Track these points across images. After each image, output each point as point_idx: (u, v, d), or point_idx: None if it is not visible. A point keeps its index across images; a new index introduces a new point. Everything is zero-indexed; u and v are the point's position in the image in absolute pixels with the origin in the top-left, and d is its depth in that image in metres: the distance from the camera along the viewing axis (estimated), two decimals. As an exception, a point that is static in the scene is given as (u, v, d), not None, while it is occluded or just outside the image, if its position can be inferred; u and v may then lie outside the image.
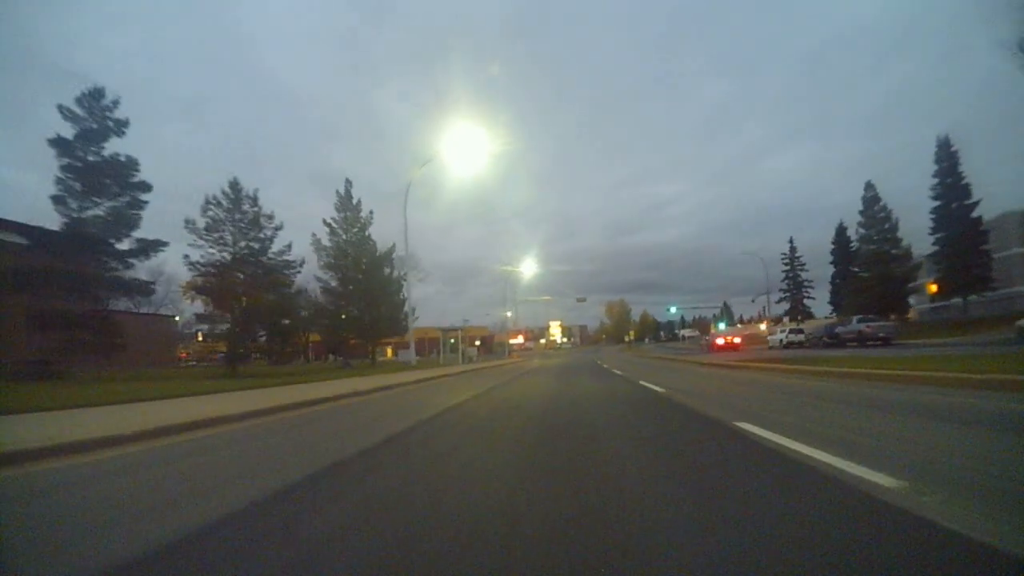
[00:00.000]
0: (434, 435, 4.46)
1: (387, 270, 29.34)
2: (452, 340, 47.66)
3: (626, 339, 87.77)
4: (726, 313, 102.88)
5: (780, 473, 2.57)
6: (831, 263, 46.56)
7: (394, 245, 27.79)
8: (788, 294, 53.68)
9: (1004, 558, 1.50)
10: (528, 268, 50.29)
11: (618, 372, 14.66)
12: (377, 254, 27.58)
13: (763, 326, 53.37)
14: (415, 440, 4.23)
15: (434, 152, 21.62)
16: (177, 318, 52.90)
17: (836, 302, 46.18)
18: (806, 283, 53.33)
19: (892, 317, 35.86)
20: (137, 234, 19.99)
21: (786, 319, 50.82)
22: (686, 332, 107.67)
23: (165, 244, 18.74)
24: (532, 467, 2.98)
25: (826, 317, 50.65)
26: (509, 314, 61.84)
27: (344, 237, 26.90)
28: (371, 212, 28.12)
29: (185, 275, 22.51)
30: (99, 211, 19.64)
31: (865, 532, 1.75)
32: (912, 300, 42.37)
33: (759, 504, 2.08)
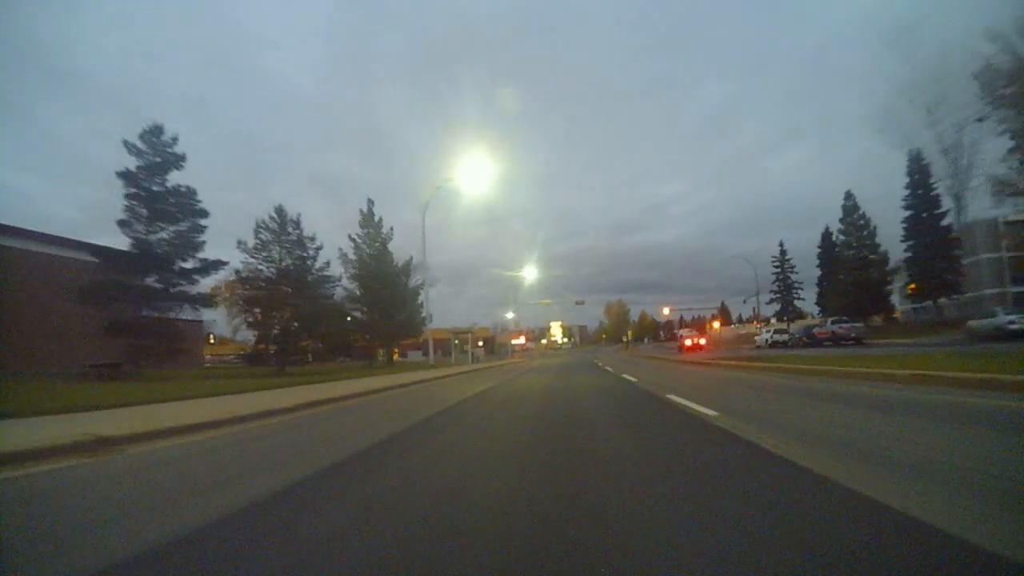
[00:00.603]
0: (466, 413, 6.50)
1: (403, 278, 32.54)
2: (456, 341, 51.08)
3: (623, 339, 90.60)
4: (724, 313, 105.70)
5: (682, 420, 5.47)
6: (817, 266, 49.40)
7: (411, 258, 31.06)
8: (778, 295, 56.55)
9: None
10: (530, 273, 53.21)
11: (608, 368, 17.67)
12: (396, 266, 30.86)
13: (756, 326, 56.25)
14: (452, 417, 6.12)
15: (447, 178, 24.50)
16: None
17: (822, 303, 49.01)
18: (796, 284, 56.14)
19: (874, 318, 38.83)
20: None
21: (773, 320, 53.68)
22: (684, 332, 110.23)
23: (225, 263, 21.90)
24: (541, 424, 5.84)
25: (812, 317, 53.47)
26: (511, 315, 64.87)
27: (367, 251, 30.13)
28: (391, 228, 31.41)
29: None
30: (164, 234, 22.83)
31: (736, 459, 3.05)
32: (898, 302, 45.34)
33: (667, 433, 5.07)
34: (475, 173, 23.72)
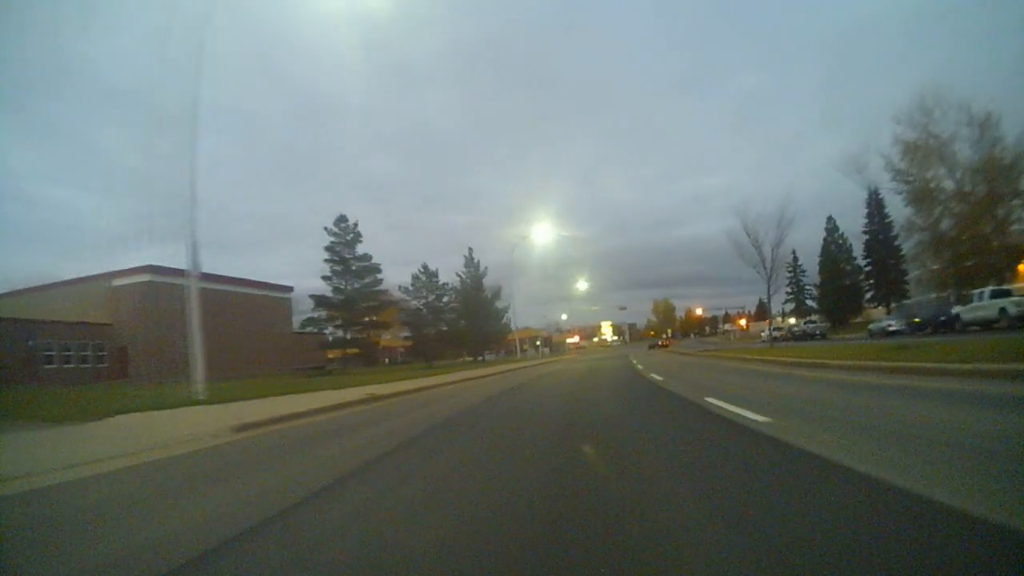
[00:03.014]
0: (550, 376, 20.57)
1: (488, 295, 46.57)
2: (526, 345, 65.13)
3: (663, 336, 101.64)
4: (762, 308, 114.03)
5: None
6: (819, 272, 59.64)
7: (500, 288, 45.41)
8: (792, 296, 66.79)
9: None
10: (581, 285, 66.20)
11: (633, 361, 30.46)
12: (487, 295, 45.15)
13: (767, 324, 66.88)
14: (543, 380, 20.32)
15: (525, 234, 38.15)
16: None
17: (821, 304, 59.26)
18: (807, 285, 66.13)
19: (853, 318, 49.40)
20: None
21: (779, 318, 63.78)
22: (728, 327, 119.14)
23: (395, 302, 36.56)
24: (586, 379, 19.16)
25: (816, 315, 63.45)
26: (564, 316, 78.01)
27: (469, 283, 44.52)
28: (486, 268, 45.81)
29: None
30: (355, 285, 37.70)
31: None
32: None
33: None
34: (544, 232, 37.29)
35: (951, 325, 23.81)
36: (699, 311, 75.80)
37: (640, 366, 19.08)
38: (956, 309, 24.20)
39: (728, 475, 2.95)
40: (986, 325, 21.37)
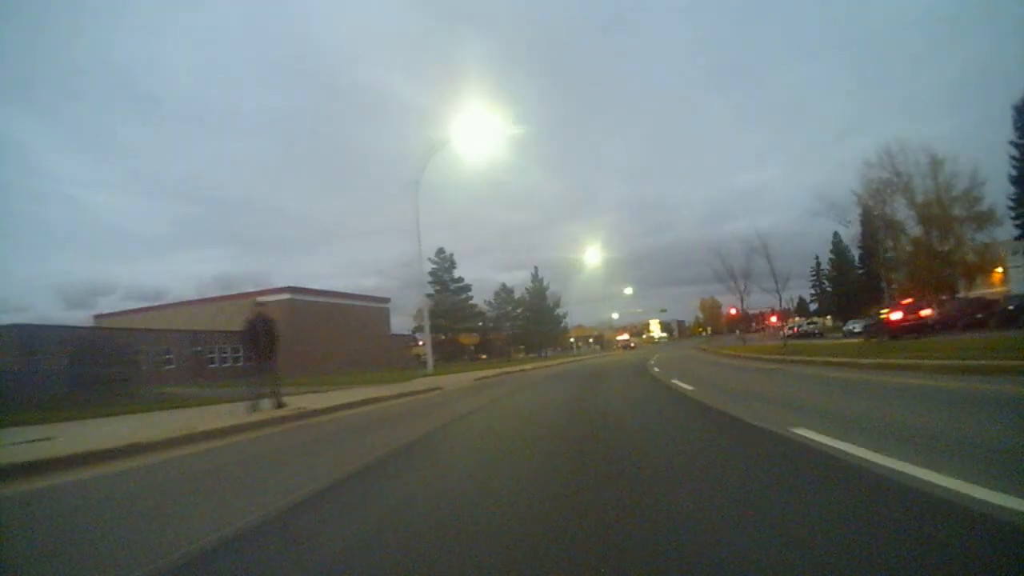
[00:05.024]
0: (602, 366, 32.60)
1: (550, 303, 58.98)
2: (581, 342, 77.14)
3: (704, 333, 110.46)
4: (801, 304, 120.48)
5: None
6: (832, 275, 68.34)
7: (560, 300, 57.64)
8: (815, 296, 75.41)
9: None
10: (628, 290, 77.29)
11: (659, 354, 42.00)
12: (549, 305, 57.58)
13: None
14: (597, 366, 32.36)
15: (581, 255, 50.27)
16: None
17: (835, 304, 67.95)
18: (827, 287, 74.58)
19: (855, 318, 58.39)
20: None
21: (796, 317, 72.59)
22: (765, 325, 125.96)
23: (482, 312, 49.72)
24: (613, 364, 31.23)
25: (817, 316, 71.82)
26: (615, 316, 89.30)
27: (535, 296, 57.13)
28: (549, 282, 58.32)
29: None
30: (451, 301, 51.02)
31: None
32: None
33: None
34: (590, 251, 49.27)
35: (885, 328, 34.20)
36: (732, 311, 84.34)
37: (652, 360, 30.74)
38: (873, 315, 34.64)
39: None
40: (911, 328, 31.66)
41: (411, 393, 12.71)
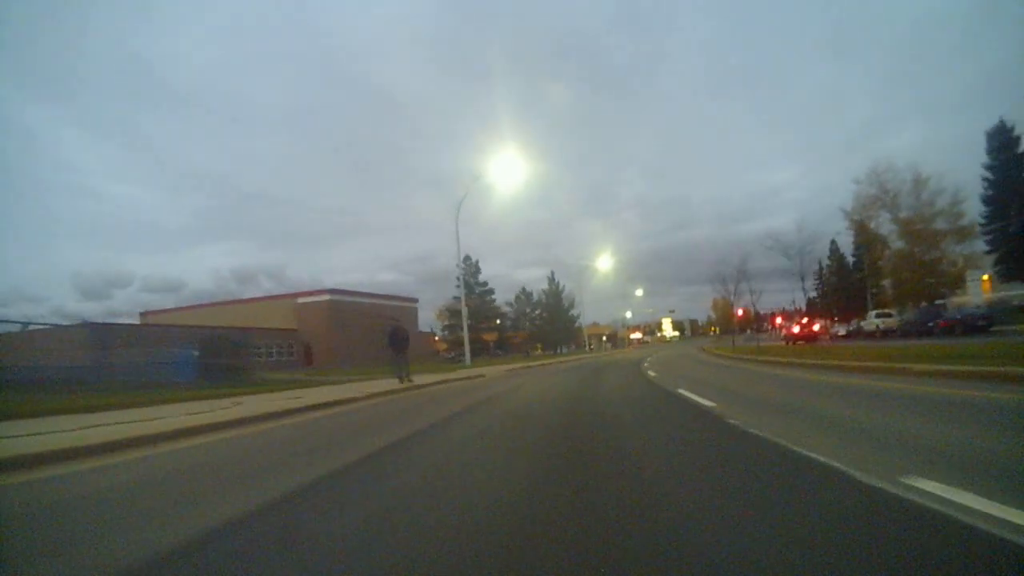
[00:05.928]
0: (608, 362, 37.42)
1: (565, 304, 64.02)
2: (593, 341, 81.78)
3: (713, 332, 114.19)
4: (811, 306, 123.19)
5: (638, 368, 35.27)
6: (829, 280, 72.01)
7: (575, 301, 62.50)
8: (816, 299, 79.10)
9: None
10: (639, 292, 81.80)
11: (660, 352, 46.61)
12: (564, 306, 62.60)
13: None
14: (606, 362, 37.20)
15: (594, 258, 55.15)
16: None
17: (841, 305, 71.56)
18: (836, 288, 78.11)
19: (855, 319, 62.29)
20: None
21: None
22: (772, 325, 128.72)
23: (504, 313, 55.00)
24: (620, 359, 36.06)
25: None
26: (628, 314, 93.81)
27: (551, 298, 62.19)
28: (565, 285, 63.27)
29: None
30: (476, 303, 56.26)
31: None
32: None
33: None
34: (603, 256, 54.08)
35: (859, 333, 38.49)
36: (740, 311, 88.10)
37: (646, 362, 35.43)
38: (855, 322, 39.04)
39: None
40: (870, 334, 36.00)
41: (466, 378, 17.84)
